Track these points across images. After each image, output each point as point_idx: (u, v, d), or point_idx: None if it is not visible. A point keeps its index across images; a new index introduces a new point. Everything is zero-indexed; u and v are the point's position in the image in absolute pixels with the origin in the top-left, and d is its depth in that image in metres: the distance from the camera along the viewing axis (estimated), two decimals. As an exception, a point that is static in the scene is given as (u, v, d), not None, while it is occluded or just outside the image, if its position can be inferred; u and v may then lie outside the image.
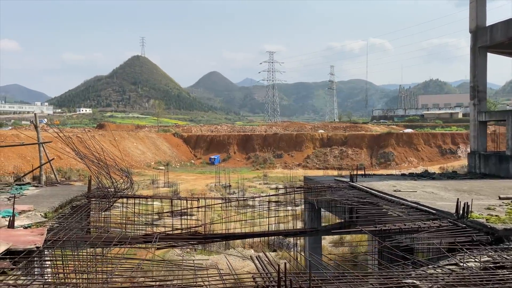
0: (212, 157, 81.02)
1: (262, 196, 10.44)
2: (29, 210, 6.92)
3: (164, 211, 32.36)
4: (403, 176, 16.96)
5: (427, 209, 7.10)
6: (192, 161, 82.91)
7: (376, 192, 9.13)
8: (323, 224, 18.03)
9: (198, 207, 9.81)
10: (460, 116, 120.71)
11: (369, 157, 77.62)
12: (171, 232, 9.64)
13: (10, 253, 4.56)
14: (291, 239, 19.85)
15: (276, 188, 42.88)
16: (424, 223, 6.01)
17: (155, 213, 9.68)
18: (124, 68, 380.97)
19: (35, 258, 4.73)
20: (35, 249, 4.67)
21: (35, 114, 11.62)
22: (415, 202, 7.62)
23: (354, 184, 10.38)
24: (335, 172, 59.12)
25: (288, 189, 12.27)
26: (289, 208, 11.55)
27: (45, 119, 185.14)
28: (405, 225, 6.00)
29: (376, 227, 6.04)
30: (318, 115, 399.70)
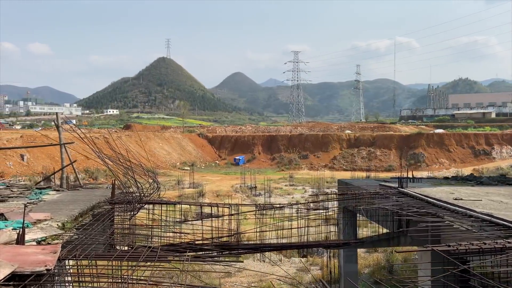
0: (236, 157, 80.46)
1: (298, 203, 9.47)
2: (45, 220, 6.20)
3: (192, 213, 31.77)
4: (446, 180, 15.65)
5: (505, 223, 6.00)
6: (217, 162, 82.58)
7: (433, 201, 8.03)
8: (359, 235, 16.83)
9: (229, 215, 8.95)
10: (493, 116, 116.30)
11: (398, 158, 75.33)
12: (200, 242, 8.78)
13: (16, 277, 3.79)
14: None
15: (316, 195, 41.56)
16: (509, 242, 4.95)
17: (184, 221, 8.87)
18: (150, 70, 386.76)
19: (46, 283, 3.94)
20: (45, 271, 3.88)
21: (56, 113, 11.05)
22: (487, 214, 6.52)
23: (404, 190, 9.30)
24: (363, 174, 57.62)
25: (328, 195, 11.24)
26: (325, 214, 10.54)
27: (74, 120, 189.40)
28: (484, 243, 4.94)
29: (449, 245, 4.97)
30: (343, 116, 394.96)
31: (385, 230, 10.57)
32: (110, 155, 10.42)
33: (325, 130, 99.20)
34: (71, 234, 5.89)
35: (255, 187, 46.25)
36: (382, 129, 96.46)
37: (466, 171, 63.76)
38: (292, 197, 42.01)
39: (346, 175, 61.64)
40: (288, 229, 10.06)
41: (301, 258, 22.49)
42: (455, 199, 8.09)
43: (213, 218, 8.68)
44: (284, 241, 13.33)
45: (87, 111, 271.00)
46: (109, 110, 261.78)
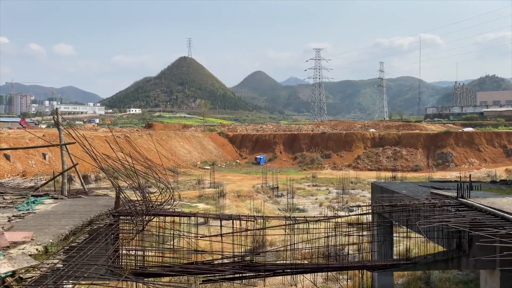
0: (257, 156, 79.13)
1: (335, 217, 7.97)
2: (24, 242, 4.96)
3: (210, 214, 30.55)
4: (494, 184, 13.83)
5: None
6: (238, 161, 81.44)
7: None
8: (396, 252, 15.13)
9: (255, 229, 7.58)
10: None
11: (425, 157, 72.59)
12: (220, 261, 7.39)
13: None
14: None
15: (357, 206, 39.74)
16: None
17: (201, 237, 7.53)
18: (171, 69, 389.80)
19: None
20: None
21: (56, 109, 9.88)
22: None
23: (466, 201, 7.71)
24: (389, 174, 55.33)
25: (369, 206, 9.69)
26: (363, 227, 9.02)
27: (97, 119, 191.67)
28: None
29: None
30: (365, 114, 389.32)
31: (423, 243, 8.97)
32: (131, 154, 9.14)
33: (348, 128, 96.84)
34: (54, 262, 4.60)
35: (277, 187, 44.78)
36: (407, 127, 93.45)
37: (498, 171, 60.75)
38: (316, 198, 40.37)
39: (371, 175, 59.46)
40: (325, 247, 8.58)
41: (327, 262, 20.92)
42: (540, 215, 6.50)
43: (235, 233, 7.29)
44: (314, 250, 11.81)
45: (110, 110, 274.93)
46: (131, 109, 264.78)
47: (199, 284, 7.43)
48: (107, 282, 6.03)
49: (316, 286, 16.74)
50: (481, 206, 7.38)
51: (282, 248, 7.71)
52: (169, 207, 7.87)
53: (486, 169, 65.13)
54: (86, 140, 7.53)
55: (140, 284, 6.04)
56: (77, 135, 8.05)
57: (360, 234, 8.41)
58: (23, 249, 4.77)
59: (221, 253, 7.42)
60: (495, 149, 73.01)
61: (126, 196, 7.44)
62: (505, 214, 6.76)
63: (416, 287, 18.52)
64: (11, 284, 3.84)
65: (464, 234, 7.14)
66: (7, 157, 47.89)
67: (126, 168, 8.32)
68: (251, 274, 7.35)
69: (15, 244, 4.89)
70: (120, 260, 6.95)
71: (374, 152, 74.76)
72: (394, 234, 13.62)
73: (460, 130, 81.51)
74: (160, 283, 6.78)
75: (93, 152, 6.94)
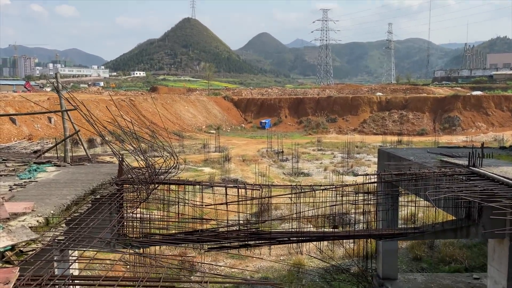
0: (262, 121, 78.81)
1: (342, 185, 7.83)
2: (25, 213, 4.85)
3: (216, 177, 30.70)
4: (504, 150, 13.54)
5: None
6: (243, 125, 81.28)
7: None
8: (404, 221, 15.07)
9: (262, 198, 7.47)
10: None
11: (432, 121, 71.94)
12: (225, 230, 7.32)
13: None
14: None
15: (365, 174, 39.65)
16: None
17: (206, 205, 7.45)
18: (175, 31, 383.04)
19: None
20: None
21: (56, 74, 9.58)
22: None
23: (478, 170, 7.49)
24: (395, 138, 55.08)
25: (379, 175, 9.51)
26: (370, 198, 8.89)
27: (102, 83, 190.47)
28: None
29: None
30: (372, 77, 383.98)
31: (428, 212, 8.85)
32: (136, 118, 8.92)
33: (354, 92, 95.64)
34: (55, 234, 4.50)
35: (282, 151, 44.79)
36: (414, 91, 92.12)
37: (506, 135, 60.20)
38: (321, 163, 40.42)
39: (376, 139, 59.24)
40: (327, 215, 8.50)
41: (333, 229, 21.13)
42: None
43: (241, 202, 7.18)
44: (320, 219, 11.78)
45: (115, 73, 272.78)
46: (136, 72, 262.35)
47: (204, 252, 7.41)
48: (112, 252, 5.99)
49: (321, 250, 16.93)
50: (494, 175, 7.18)
51: (288, 216, 7.61)
52: (173, 174, 7.75)
53: (493, 133, 64.60)
54: (85, 106, 7.31)
55: (145, 255, 5.99)
56: (77, 101, 7.83)
57: (366, 202, 8.30)
58: (23, 220, 4.67)
59: (226, 221, 7.35)
60: (503, 113, 72.11)
61: (129, 164, 7.31)
62: (519, 185, 6.58)
63: (420, 251, 18.69)
64: (11, 258, 3.76)
65: (474, 203, 6.99)
66: (13, 120, 47.97)
67: (130, 134, 8.14)
68: (256, 242, 7.30)
69: (15, 215, 4.79)
70: (125, 229, 6.91)
71: (380, 116, 74.15)
72: (401, 201, 13.54)
73: (468, 94, 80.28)
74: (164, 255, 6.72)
75: (92, 118, 6.74)
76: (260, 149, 48.63)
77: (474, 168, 7.62)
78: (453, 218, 7.63)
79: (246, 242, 7.27)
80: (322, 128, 73.63)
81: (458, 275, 15.93)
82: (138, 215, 7.33)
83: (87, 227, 5.00)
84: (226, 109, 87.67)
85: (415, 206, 8.36)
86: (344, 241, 19.84)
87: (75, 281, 3.58)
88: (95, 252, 4.67)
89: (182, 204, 7.43)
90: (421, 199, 8.79)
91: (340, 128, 73.94)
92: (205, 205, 7.41)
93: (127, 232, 6.90)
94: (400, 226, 14.13)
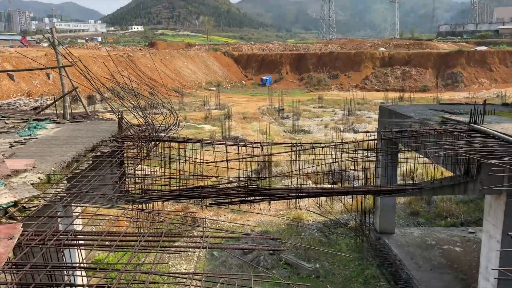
0: (263, 78, 77.91)
1: (341, 143, 7.83)
2: (26, 170, 4.88)
3: (216, 135, 30.77)
4: (507, 107, 13.46)
5: None
6: (243, 82, 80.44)
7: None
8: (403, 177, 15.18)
9: (262, 155, 7.50)
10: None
11: (434, 78, 71.11)
12: (226, 186, 7.41)
13: None
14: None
15: (365, 132, 39.50)
16: None
17: (207, 162, 7.49)
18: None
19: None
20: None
21: (51, 29, 9.32)
22: None
23: (479, 127, 7.46)
24: (397, 95, 54.65)
25: (378, 132, 9.49)
26: (369, 155, 8.92)
27: (99, 38, 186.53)
28: None
29: None
30: (376, 32, 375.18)
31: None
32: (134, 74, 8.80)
33: (357, 47, 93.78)
34: (57, 190, 4.55)
35: (283, 109, 44.63)
36: (418, 46, 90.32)
37: (509, 92, 59.67)
38: (321, 120, 40.38)
39: (378, 96, 58.79)
40: (326, 171, 8.57)
41: (332, 185, 21.41)
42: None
43: (241, 159, 7.22)
44: (319, 177, 11.91)
45: (112, 28, 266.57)
46: (133, 26, 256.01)
47: (206, 207, 7.54)
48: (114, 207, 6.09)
49: (319, 205, 17.25)
50: (494, 132, 7.16)
51: (287, 173, 7.67)
52: (173, 131, 7.74)
53: (496, 90, 63.98)
54: (82, 62, 7.17)
55: (147, 211, 6.09)
56: (74, 57, 7.67)
57: (366, 159, 8.34)
58: (24, 177, 4.71)
59: (227, 178, 7.42)
60: (507, 69, 71.13)
61: (128, 121, 7.27)
62: (519, 142, 6.57)
63: (417, 206, 19.05)
64: (14, 214, 3.82)
65: (473, 160, 7.02)
66: (11, 77, 47.41)
67: (129, 91, 8.05)
68: (256, 198, 7.41)
69: (16, 172, 4.82)
70: (127, 185, 6.99)
71: (383, 72, 73.22)
72: (400, 158, 13.63)
73: (473, 49, 78.78)
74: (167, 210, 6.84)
75: (90, 75, 6.63)
76: (261, 106, 48.42)
77: (475, 125, 7.58)
78: (452, 174, 7.70)
79: (247, 198, 7.38)
80: (323, 85, 72.92)
81: (454, 229, 16.34)
82: (139, 172, 7.39)
83: (89, 183, 5.05)
84: (226, 65, 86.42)
85: (415, 163, 8.41)
86: (343, 196, 20.18)
87: (78, 236, 3.66)
88: (98, 208, 4.75)
89: (183, 161, 7.48)
90: (421, 156, 8.82)
91: (342, 84, 73.22)
92: (206, 163, 7.47)
93: (129, 188, 6.98)
94: (398, 183, 14.30)
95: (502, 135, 6.92)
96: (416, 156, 9.09)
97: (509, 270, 4.07)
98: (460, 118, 8.63)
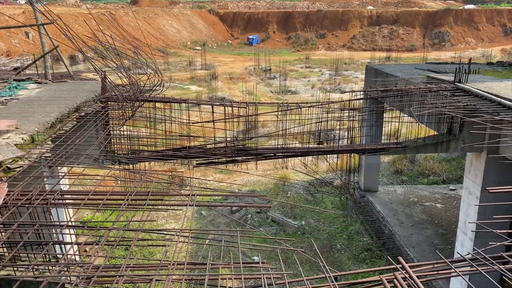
0: (250, 37, 76.38)
1: (327, 102, 7.85)
2: (8, 131, 4.80)
3: (203, 95, 30.47)
4: (491, 66, 13.55)
5: None
6: (229, 41, 78.86)
7: (509, 103, 6.30)
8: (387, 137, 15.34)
9: (248, 116, 7.47)
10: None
11: (421, 37, 70.66)
12: (213, 146, 7.44)
13: None
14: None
15: (352, 92, 39.39)
16: None
17: (193, 123, 7.46)
18: None
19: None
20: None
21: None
22: None
23: (464, 86, 7.51)
24: (384, 54, 54.35)
25: (365, 91, 9.49)
26: (354, 114, 8.96)
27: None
28: None
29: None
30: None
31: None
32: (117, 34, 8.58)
33: (345, 6, 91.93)
34: (42, 151, 4.51)
35: (270, 69, 44.17)
36: (406, 4, 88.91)
37: (494, 51, 59.83)
38: (308, 80, 40.18)
39: (365, 55, 58.38)
40: (312, 131, 8.64)
41: (318, 145, 21.64)
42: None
43: (227, 119, 7.21)
44: (306, 137, 12.01)
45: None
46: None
47: (193, 167, 7.59)
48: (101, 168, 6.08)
49: (305, 165, 17.49)
50: (478, 91, 7.23)
51: (274, 133, 7.71)
52: (158, 91, 7.64)
53: (482, 49, 64.08)
54: (62, 20, 6.91)
55: (133, 171, 6.10)
56: (54, 14, 7.37)
57: (351, 119, 8.40)
58: (7, 138, 4.64)
59: (213, 138, 7.43)
60: (494, 28, 70.89)
61: (112, 81, 7.13)
62: (502, 100, 6.64)
63: (401, 165, 19.46)
64: (-1, 174, 3.80)
65: (456, 118, 7.12)
66: (-13, 36, 45.69)
67: (112, 50, 7.85)
68: (243, 158, 7.47)
69: (0, 132, 4.75)
70: (112, 146, 6.95)
71: (370, 31, 72.39)
72: (386, 117, 13.76)
73: (461, 8, 77.97)
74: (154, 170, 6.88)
75: (70, 33, 6.42)
76: (248, 66, 47.83)
77: (459, 84, 7.64)
78: (435, 133, 7.82)
79: (234, 158, 7.43)
80: (311, 44, 71.99)
81: (436, 187, 16.83)
82: (125, 133, 7.35)
83: (74, 144, 5.01)
84: (212, 24, 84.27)
85: (399, 122, 8.51)
86: (328, 155, 20.48)
87: (65, 196, 3.67)
88: (83, 169, 4.74)
89: (169, 122, 7.43)
90: (405, 115, 8.91)
91: (329, 44, 72.36)
92: (192, 123, 7.43)
93: (115, 149, 6.96)
94: (383, 142, 14.51)
95: (485, 93, 7.00)
96: (401, 115, 9.19)
97: (485, 223, 4.25)
98: (445, 77, 8.67)
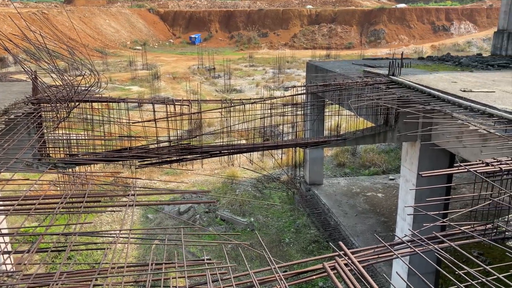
0: (192, 36, 75.62)
1: (270, 98, 7.95)
2: None
3: (145, 96, 29.71)
4: (422, 61, 14.41)
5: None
6: (171, 41, 77.56)
7: (438, 93, 6.72)
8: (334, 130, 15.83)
9: (191, 114, 7.35)
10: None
11: (359, 35, 73.57)
12: (156, 146, 7.27)
13: None
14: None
15: (293, 87, 39.85)
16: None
17: (133, 122, 7.23)
18: None
19: None
20: None
21: None
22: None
23: (397, 79, 7.89)
24: (324, 52, 56.00)
25: (307, 86, 9.69)
26: (298, 109, 9.16)
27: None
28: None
29: (486, 163, 3.75)
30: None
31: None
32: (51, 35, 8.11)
33: (285, 5, 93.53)
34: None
35: (214, 68, 43.97)
36: (344, 3, 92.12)
37: (425, 48, 63.64)
38: (253, 79, 40.49)
39: (306, 54, 59.77)
40: (257, 128, 8.71)
41: (263, 142, 21.85)
42: (463, 90, 6.83)
43: (170, 118, 7.07)
44: (251, 131, 12.08)
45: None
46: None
47: (135, 168, 7.38)
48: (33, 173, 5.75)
49: (252, 162, 17.62)
50: (410, 83, 7.64)
51: (219, 131, 7.67)
52: (95, 91, 7.32)
53: (414, 46, 67.87)
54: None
55: (70, 174, 5.82)
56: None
57: (294, 114, 8.57)
58: None
59: (156, 137, 7.26)
60: (424, 26, 75.30)
61: (44, 82, 6.73)
62: (431, 91, 7.07)
63: (343, 158, 20.13)
64: None
65: (391, 110, 7.47)
66: None
67: (43, 50, 7.42)
68: (188, 157, 7.36)
69: None
70: (47, 149, 6.58)
71: (310, 30, 74.25)
72: (326, 112, 14.17)
73: (394, 7, 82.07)
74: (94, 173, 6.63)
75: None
76: (191, 66, 47.31)
77: (393, 77, 8.05)
78: (373, 125, 8.18)
79: (178, 157, 7.31)
80: (254, 43, 72.55)
81: (376, 177, 17.59)
82: (62, 135, 6.98)
83: (2, 148, 4.68)
84: (152, 23, 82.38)
85: (339, 115, 8.80)
86: (274, 152, 20.73)
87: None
88: (13, 174, 4.44)
89: (107, 122, 7.16)
90: (345, 109, 9.24)
91: (271, 43, 73.31)
92: (133, 123, 7.21)
93: (50, 152, 6.59)
94: (325, 135, 14.91)
95: (417, 85, 7.43)
96: (341, 109, 9.50)
97: (421, 207, 4.49)
98: (380, 71, 9.10)
